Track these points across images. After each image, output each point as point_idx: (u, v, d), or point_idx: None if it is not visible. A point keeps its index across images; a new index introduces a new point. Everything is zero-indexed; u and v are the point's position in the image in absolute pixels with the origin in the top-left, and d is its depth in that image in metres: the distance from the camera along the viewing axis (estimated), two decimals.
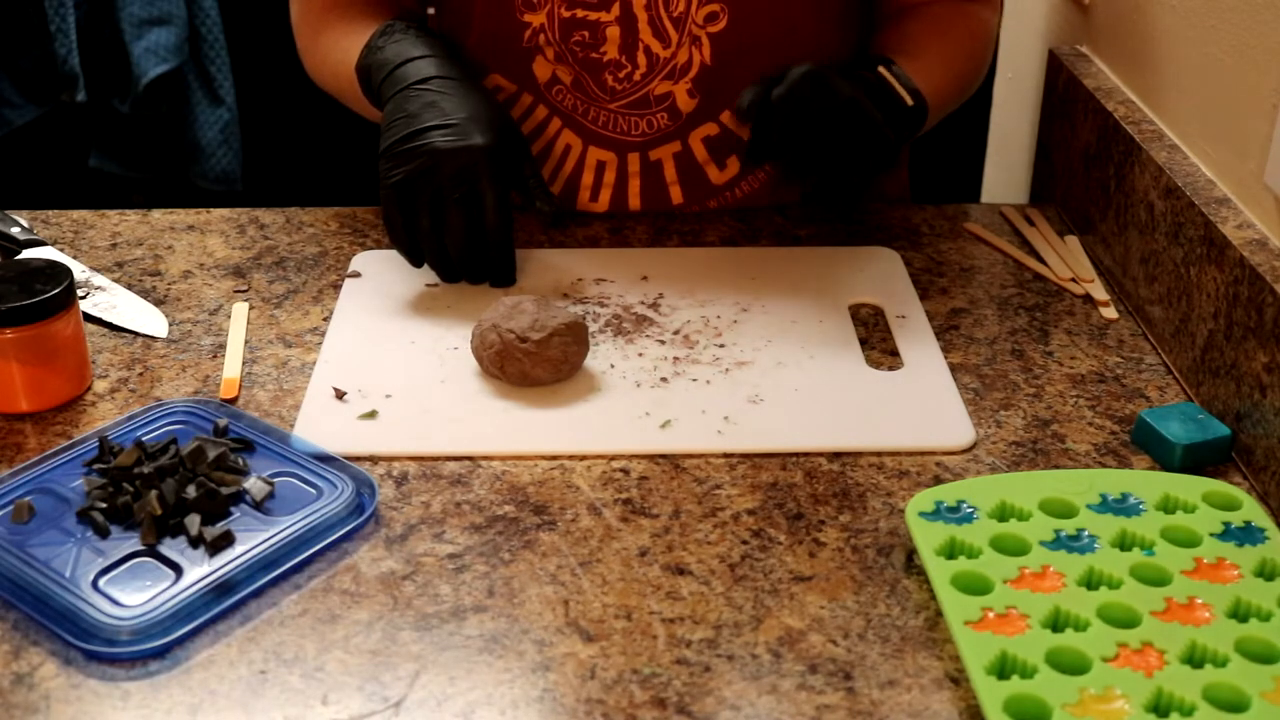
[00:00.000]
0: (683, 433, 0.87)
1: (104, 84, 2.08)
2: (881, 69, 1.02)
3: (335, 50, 1.10)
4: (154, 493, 0.77)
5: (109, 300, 1.02)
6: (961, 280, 1.07)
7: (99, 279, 1.05)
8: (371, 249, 1.10)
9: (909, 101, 1.02)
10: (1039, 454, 0.86)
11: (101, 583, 0.73)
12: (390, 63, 1.02)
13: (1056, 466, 0.85)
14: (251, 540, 0.76)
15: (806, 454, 0.86)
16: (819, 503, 0.81)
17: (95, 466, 0.81)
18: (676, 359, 0.95)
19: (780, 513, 0.81)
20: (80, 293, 1.02)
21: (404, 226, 0.99)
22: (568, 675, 0.69)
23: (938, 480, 0.83)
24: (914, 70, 1.03)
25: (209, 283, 1.05)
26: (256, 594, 0.74)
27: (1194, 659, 0.67)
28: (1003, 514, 0.77)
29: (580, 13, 1.05)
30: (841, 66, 1.04)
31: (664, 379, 0.92)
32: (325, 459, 0.83)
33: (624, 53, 1.06)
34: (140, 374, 0.94)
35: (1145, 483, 0.79)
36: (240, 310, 1.01)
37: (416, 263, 1.02)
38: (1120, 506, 0.77)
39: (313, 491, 0.80)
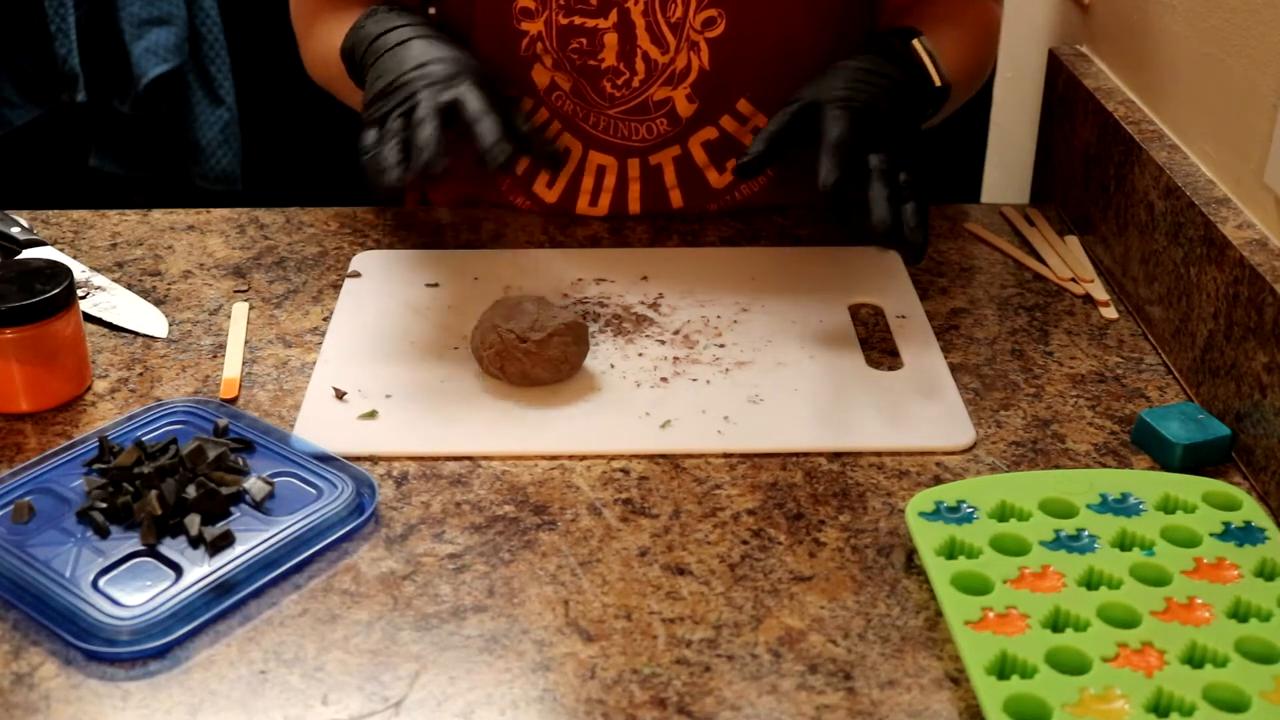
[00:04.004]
0: (683, 433, 0.87)
1: (104, 84, 2.08)
2: (915, 42, 1.00)
3: (326, 39, 1.10)
4: (154, 493, 0.77)
5: (109, 300, 1.02)
6: (961, 280, 1.07)
7: (99, 279, 1.05)
8: (371, 249, 1.10)
9: (938, 82, 1.00)
10: (1039, 454, 0.86)
11: (101, 583, 0.73)
12: (371, 35, 1.02)
13: (1056, 466, 0.85)
14: (251, 540, 0.76)
15: (806, 454, 0.86)
16: (819, 503, 0.81)
17: (95, 466, 0.81)
18: (676, 359, 0.95)
19: (780, 513, 0.81)
20: (80, 293, 1.02)
21: (376, 143, 0.93)
22: (568, 675, 0.69)
23: (938, 480, 0.83)
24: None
25: (209, 283, 1.05)
26: (256, 594, 0.74)
27: (1194, 659, 0.67)
28: (1003, 514, 0.77)
29: (578, 20, 1.05)
30: (870, 36, 1.02)
31: (664, 379, 0.92)
32: (325, 459, 0.83)
33: (622, 59, 1.06)
34: (140, 374, 0.94)
35: (1145, 483, 0.79)
36: (240, 310, 1.01)
37: (381, 179, 0.91)
38: (1120, 506, 0.77)
39: (313, 491, 0.80)
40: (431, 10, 1.15)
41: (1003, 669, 0.67)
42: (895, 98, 0.97)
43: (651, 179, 1.13)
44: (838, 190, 0.90)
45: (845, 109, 0.93)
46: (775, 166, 0.99)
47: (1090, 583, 0.72)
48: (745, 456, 0.85)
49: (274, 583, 0.75)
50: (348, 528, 0.78)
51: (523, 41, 1.07)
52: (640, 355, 0.95)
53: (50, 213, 1.16)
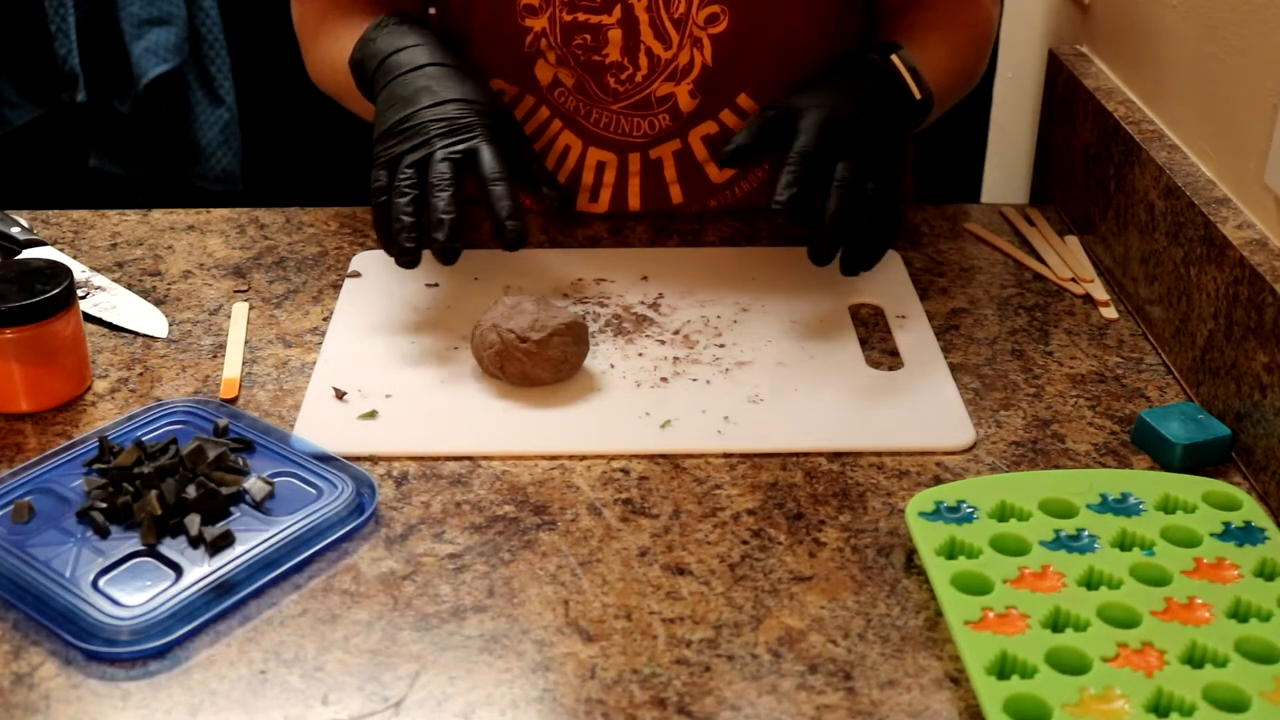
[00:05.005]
0: (683, 433, 0.87)
1: (104, 84, 2.08)
2: (894, 57, 1.02)
3: (332, 48, 1.10)
4: (154, 493, 0.77)
5: (109, 300, 1.02)
6: (961, 280, 1.07)
7: (99, 279, 1.05)
8: (371, 249, 1.10)
9: (918, 95, 1.02)
10: (1039, 454, 0.86)
11: (101, 583, 0.73)
12: (382, 52, 1.02)
13: (1056, 466, 0.85)
14: (251, 540, 0.76)
15: (806, 454, 0.86)
16: (819, 503, 0.81)
17: (95, 466, 0.81)
18: (676, 359, 0.95)
19: (780, 513, 0.81)
20: (80, 293, 1.02)
21: (387, 201, 0.94)
22: (568, 675, 0.69)
23: (938, 480, 0.83)
24: (919, 61, 1.03)
25: (209, 283, 1.05)
26: (256, 594, 0.74)
27: (1194, 659, 0.67)
28: (1003, 514, 0.77)
29: (582, 16, 1.05)
30: (849, 53, 1.04)
31: (664, 379, 0.92)
32: (325, 459, 0.83)
33: (625, 55, 1.06)
34: (140, 374, 0.94)
35: (1145, 483, 0.79)
36: (240, 310, 1.01)
37: (390, 242, 0.94)
38: (1120, 506, 0.77)
39: (313, 491, 0.80)
40: (431, 10, 1.15)
41: (1003, 669, 0.67)
42: (871, 110, 0.98)
43: (651, 174, 1.13)
44: (796, 201, 0.93)
45: (819, 116, 0.95)
46: (776, 165, 1.00)
47: (1090, 583, 0.72)
48: (745, 456, 0.85)
49: (274, 583, 0.75)
50: (348, 528, 0.78)
51: (526, 38, 1.07)
52: (640, 355, 0.95)
53: (50, 213, 1.16)
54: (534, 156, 1.03)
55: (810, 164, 0.94)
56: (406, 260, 0.93)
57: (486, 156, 0.95)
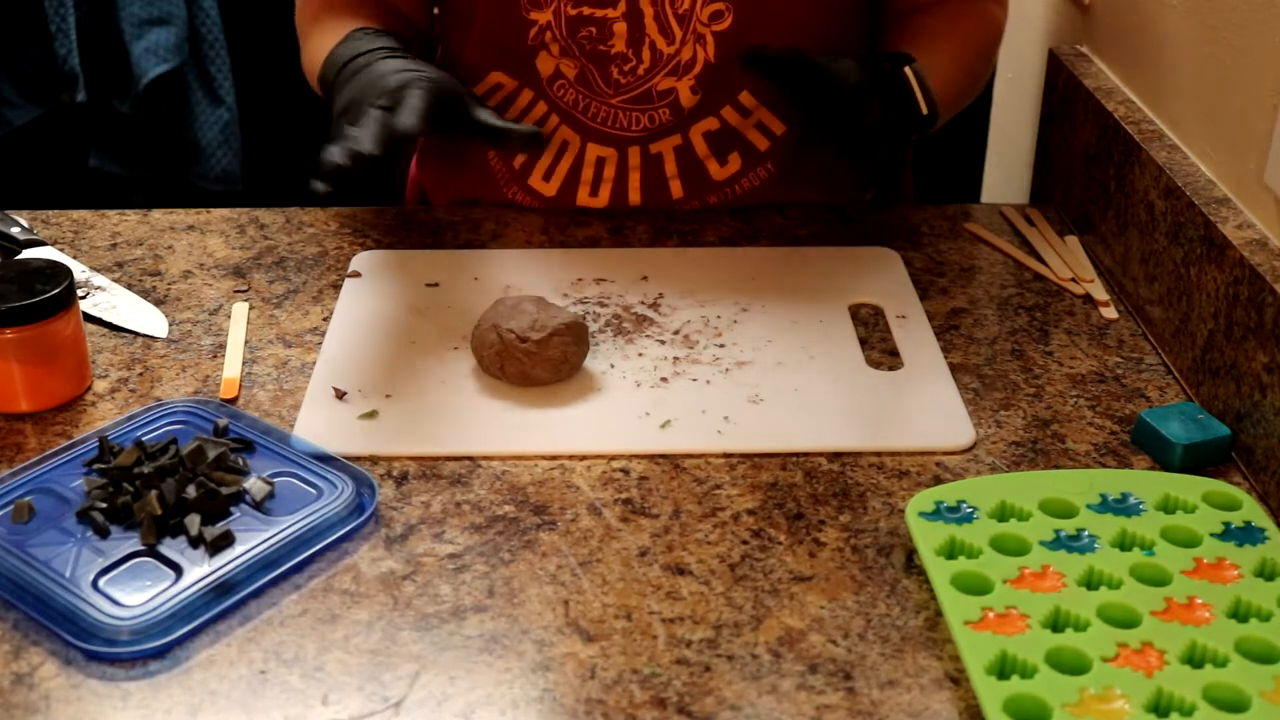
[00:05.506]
0: (683, 433, 0.87)
1: (104, 84, 2.08)
2: (907, 69, 1.02)
3: (321, 44, 1.10)
4: (154, 493, 0.77)
5: (109, 300, 1.02)
6: (961, 280, 1.07)
7: (99, 279, 1.05)
8: (371, 249, 1.10)
9: (924, 110, 1.01)
10: (1039, 454, 0.86)
11: (101, 583, 0.73)
12: (342, 59, 1.02)
13: (1056, 466, 0.85)
14: (251, 540, 0.76)
15: (806, 454, 0.86)
16: (819, 503, 0.82)
17: (95, 466, 0.81)
18: (676, 359, 0.95)
19: (780, 513, 0.81)
20: (80, 293, 1.02)
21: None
22: (568, 675, 0.69)
23: (938, 480, 0.83)
24: (926, 67, 1.03)
25: (209, 283, 1.05)
26: (256, 594, 0.74)
27: (1194, 659, 0.67)
28: (1003, 514, 0.77)
29: (587, 10, 1.05)
30: (863, 57, 1.04)
31: (664, 379, 0.92)
32: (325, 459, 0.83)
33: (631, 46, 1.07)
34: (140, 374, 0.94)
35: (1145, 483, 0.79)
36: (240, 310, 1.01)
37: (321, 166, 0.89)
38: (1120, 506, 0.77)
39: (313, 491, 0.80)
40: (435, 10, 1.15)
41: (1003, 669, 0.67)
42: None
43: (651, 168, 1.13)
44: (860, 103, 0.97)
45: (849, 66, 0.99)
46: (779, 164, 1.04)
47: (1090, 583, 0.72)
48: (745, 456, 0.85)
49: (274, 583, 0.75)
50: (348, 528, 0.78)
51: (530, 31, 1.07)
52: (640, 355, 0.95)
53: (50, 213, 1.16)
54: (491, 111, 1.00)
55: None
56: (330, 177, 0.86)
57: (413, 97, 0.92)
